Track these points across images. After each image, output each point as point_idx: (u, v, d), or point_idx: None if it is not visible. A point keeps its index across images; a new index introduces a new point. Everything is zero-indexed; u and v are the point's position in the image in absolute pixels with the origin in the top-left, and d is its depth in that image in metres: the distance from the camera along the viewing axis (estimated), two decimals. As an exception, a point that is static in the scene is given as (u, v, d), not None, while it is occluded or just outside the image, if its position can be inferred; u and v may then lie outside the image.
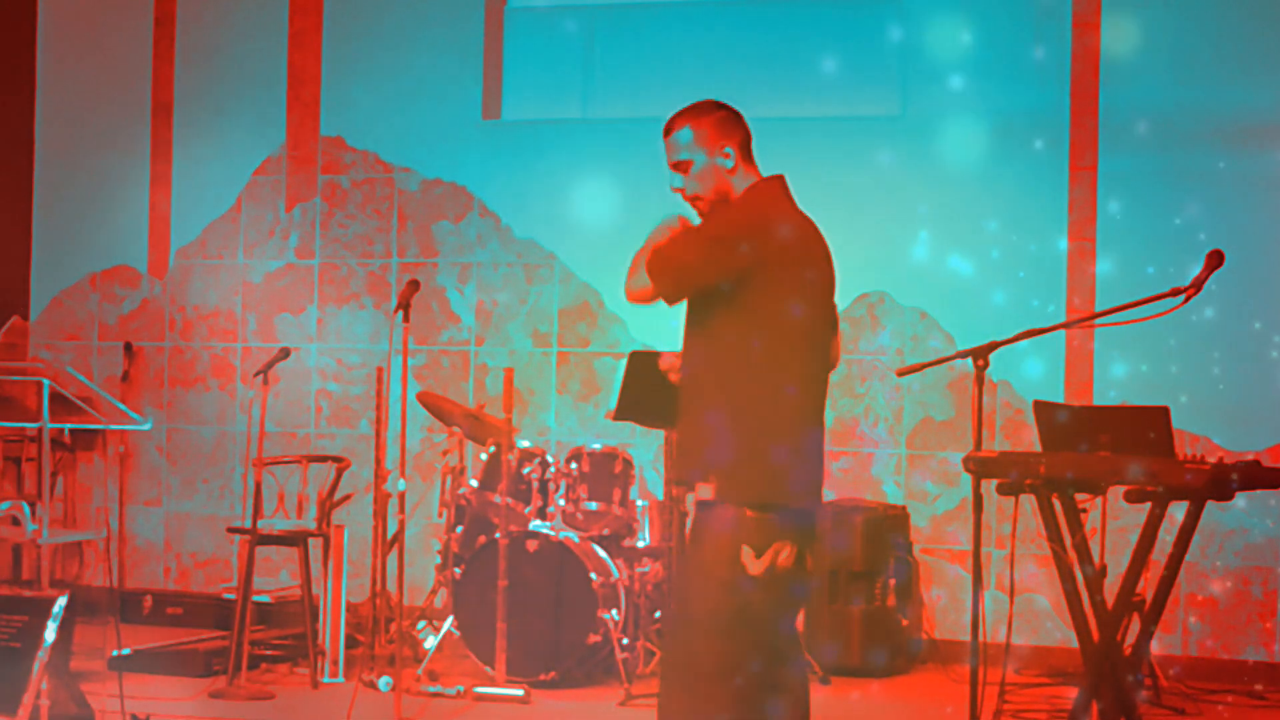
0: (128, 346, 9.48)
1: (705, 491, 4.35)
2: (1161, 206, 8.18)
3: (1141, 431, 5.69)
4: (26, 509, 7.72)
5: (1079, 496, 5.73)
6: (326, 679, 7.51)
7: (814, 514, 4.39)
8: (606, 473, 7.70)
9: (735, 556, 4.24)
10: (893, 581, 8.00)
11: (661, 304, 4.47)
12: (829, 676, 7.74)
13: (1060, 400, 8.01)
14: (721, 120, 4.52)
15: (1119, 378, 8.14)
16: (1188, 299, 5.39)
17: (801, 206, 9.16)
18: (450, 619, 7.55)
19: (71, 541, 9.33)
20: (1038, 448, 6.04)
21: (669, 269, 4.37)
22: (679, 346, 4.73)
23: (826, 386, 4.51)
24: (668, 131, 4.52)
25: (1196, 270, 5.43)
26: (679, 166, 4.48)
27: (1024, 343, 5.70)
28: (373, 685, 7.21)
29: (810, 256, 4.47)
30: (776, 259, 4.34)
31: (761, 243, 4.34)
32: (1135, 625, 6.15)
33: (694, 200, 4.50)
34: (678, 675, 4.33)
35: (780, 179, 4.57)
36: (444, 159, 9.14)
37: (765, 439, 4.29)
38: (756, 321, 4.33)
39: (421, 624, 8.01)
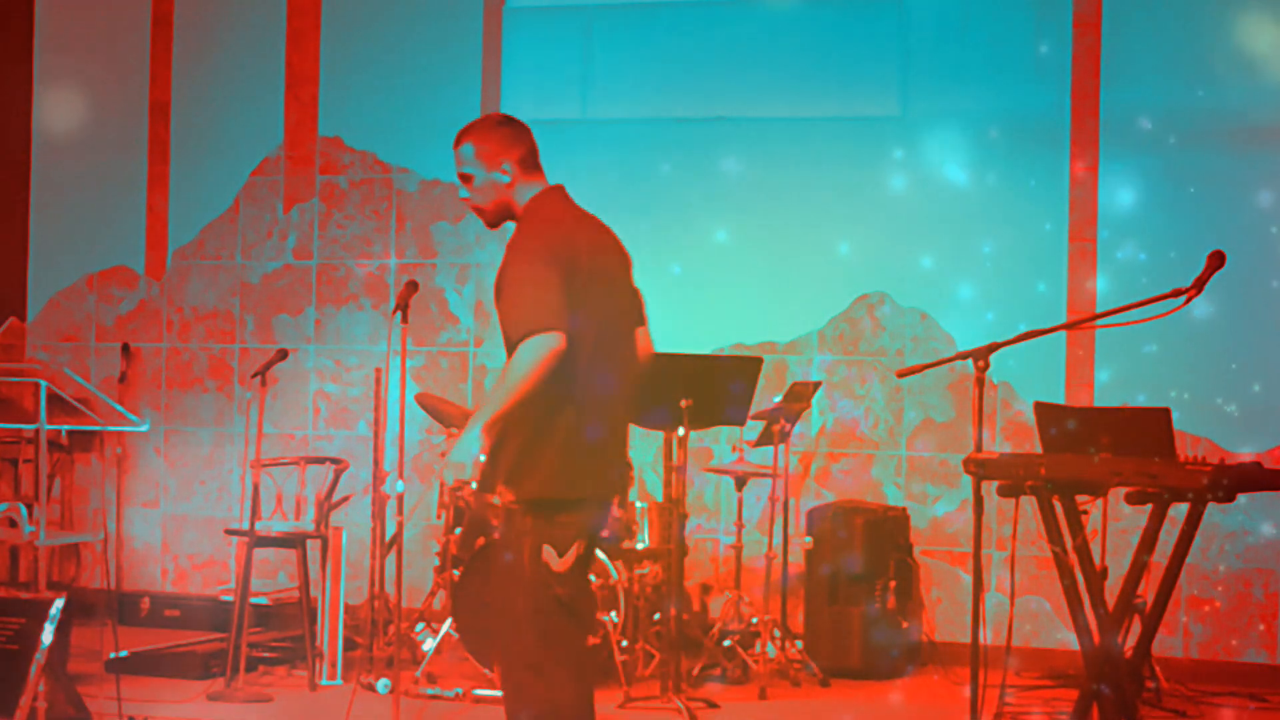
0: (125, 347, 9.46)
1: (503, 495, 4.73)
2: (1162, 207, 8.17)
3: (1142, 433, 5.67)
4: (24, 510, 7.70)
5: (1080, 498, 5.71)
6: (325, 681, 7.49)
7: (592, 507, 4.69)
8: (605, 474, 7.66)
9: (538, 555, 4.61)
10: (893, 584, 7.98)
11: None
12: (828, 679, 7.73)
13: (1061, 402, 7.99)
14: (503, 137, 4.82)
15: (1120, 379, 8.12)
16: (1189, 300, 5.37)
17: (802, 207, 9.19)
18: (449, 621, 7.53)
19: (69, 543, 9.32)
20: (1038, 449, 6.02)
21: (526, 323, 4.55)
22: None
23: (622, 380, 4.72)
24: (456, 145, 4.82)
25: (1198, 271, 5.41)
26: (464, 179, 4.81)
27: (1025, 344, 5.67)
28: (371, 688, 7.19)
29: (601, 260, 4.75)
30: (572, 272, 4.61)
31: (568, 257, 4.61)
32: (1136, 627, 6.13)
33: (478, 211, 4.85)
34: (512, 675, 4.67)
35: (559, 189, 4.87)
36: (442, 159, 8.97)
37: (540, 442, 4.62)
38: None
39: (420, 626, 7.98)
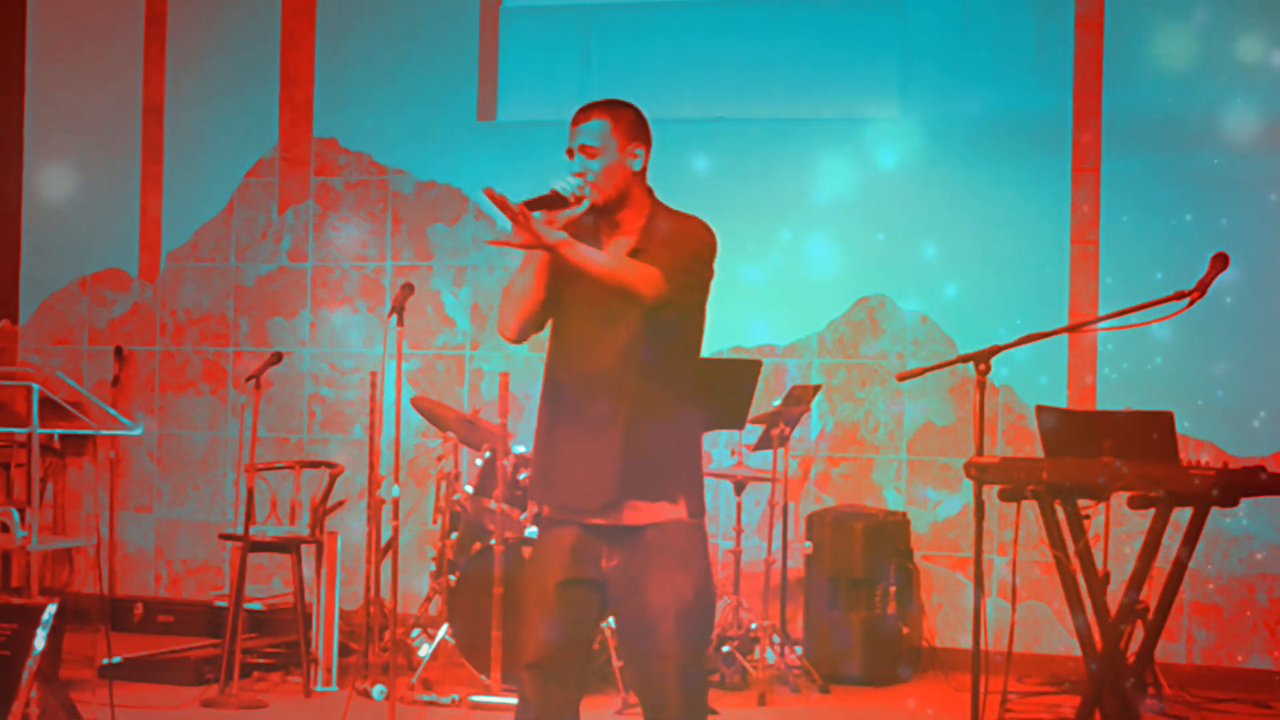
0: (118, 350, 9.41)
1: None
2: (1165, 209, 8.12)
3: (1145, 437, 5.63)
4: (16, 515, 7.65)
5: (1082, 503, 5.69)
6: (320, 688, 7.47)
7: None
8: (603, 478, 7.60)
9: None
10: (893, 589, 7.94)
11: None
12: (828, 685, 7.69)
13: (1063, 405, 7.95)
14: (637, 121, 4.50)
15: (1122, 382, 8.07)
16: (1192, 302, 5.35)
17: (801, 208, 9.15)
18: (445, 627, 7.49)
19: (61, 548, 9.28)
20: (1040, 453, 5.97)
21: (672, 272, 4.37)
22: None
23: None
24: (580, 119, 4.45)
25: (1201, 273, 5.37)
26: (586, 152, 4.41)
27: (1026, 347, 5.63)
28: (366, 694, 7.15)
29: None
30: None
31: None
32: (1139, 633, 6.09)
33: (592, 189, 4.37)
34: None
35: None
36: (438, 161, 9.07)
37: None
38: None
39: (416, 632, 7.94)
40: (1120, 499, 5.80)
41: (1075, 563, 5.65)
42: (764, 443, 7.78)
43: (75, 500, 9.47)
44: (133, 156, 9.48)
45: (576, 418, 4.41)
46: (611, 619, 7.25)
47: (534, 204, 4.26)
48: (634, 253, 4.35)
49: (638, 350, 4.36)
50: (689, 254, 4.36)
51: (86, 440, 9.27)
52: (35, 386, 7.69)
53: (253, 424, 7.32)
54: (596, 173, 4.38)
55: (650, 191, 4.49)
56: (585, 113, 4.46)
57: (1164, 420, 5.73)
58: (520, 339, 4.47)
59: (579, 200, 4.33)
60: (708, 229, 4.43)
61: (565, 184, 4.33)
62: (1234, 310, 7.86)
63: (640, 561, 4.36)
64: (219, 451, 9.29)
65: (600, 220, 4.41)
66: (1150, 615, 5.80)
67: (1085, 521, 5.72)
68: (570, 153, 4.44)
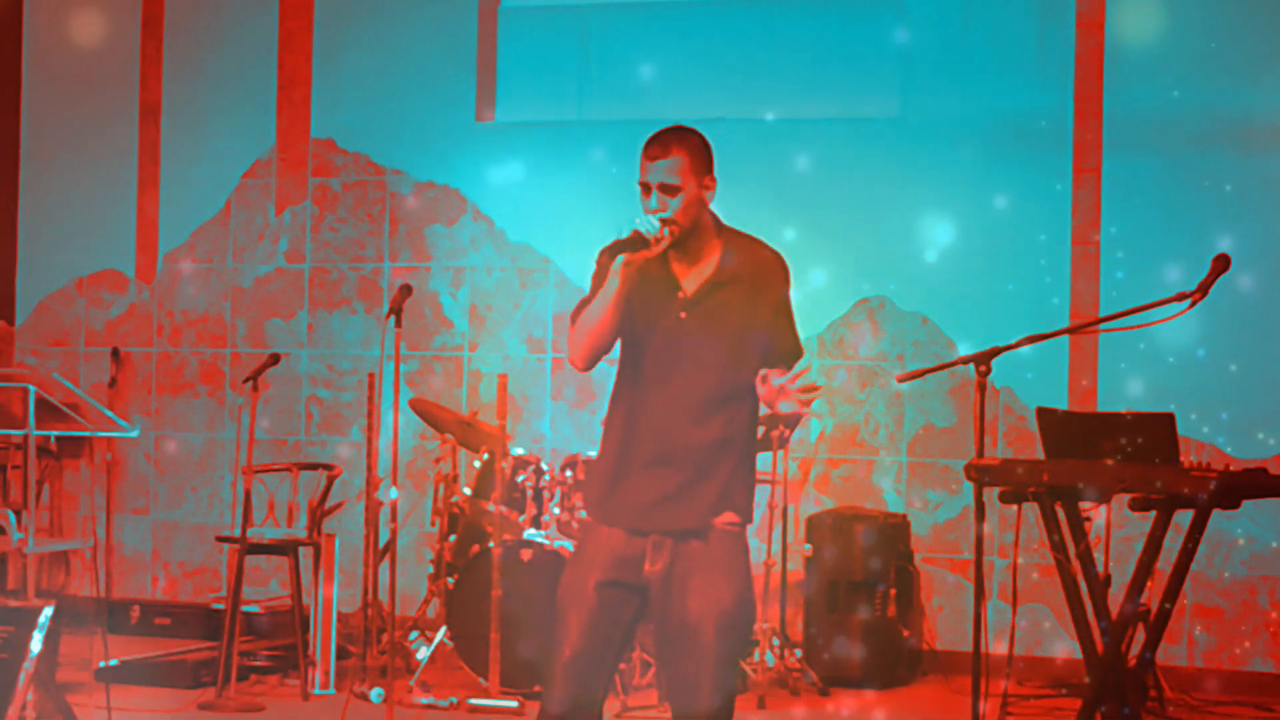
0: (115, 352, 9.39)
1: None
2: (1166, 209, 8.10)
3: (1146, 438, 5.61)
4: (12, 517, 7.63)
5: (1083, 505, 5.67)
6: (317, 690, 7.45)
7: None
8: (602, 480, 7.59)
9: None
10: (893, 591, 7.92)
11: None
12: (828, 688, 7.67)
13: (1064, 407, 7.92)
14: (707, 152, 4.54)
15: (1123, 384, 8.05)
16: (1193, 304, 5.32)
17: (801, 209, 9.13)
18: (443, 629, 7.47)
19: (58, 551, 9.26)
20: (1041, 455, 5.96)
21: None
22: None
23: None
24: (662, 154, 4.43)
25: (1202, 274, 5.35)
26: (666, 191, 4.44)
27: (1027, 348, 5.60)
28: (364, 697, 7.13)
29: None
30: None
31: None
32: (1140, 635, 6.07)
33: (670, 225, 4.43)
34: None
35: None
36: (437, 161, 9.05)
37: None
38: None
39: (414, 634, 7.93)
40: (1121, 501, 5.78)
41: (1076, 565, 5.64)
42: (764, 444, 7.75)
43: (72, 502, 9.45)
44: (130, 157, 9.46)
45: (653, 435, 4.49)
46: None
47: (619, 246, 4.35)
48: (713, 285, 4.50)
49: (721, 374, 4.53)
50: (786, 303, 4.85)
51: (83, 442, 9.25)
52: (31, 388, 7.67)
53: (250, 426, 7.30)
54: (675, 210, 4.42)
55: (715, 215, 4.56)
56: (663, 149, 4.43)
57: (1165, 421, 5.72)
58: (590, 367, 4.58)
59: (659, 241, 4.39)
60: (780, 261, 4.79)
61: (648, 224, 4.38)
62: (1236, 310, 7.82)
63: (684, 566, 4.40)
64: (216, 453, 9.26)
65: (671, 250, 4.45)
66: (1151, 617, 5.78)
67: (1086, 523, 5.70)
68: (645, 188, 4.45)
